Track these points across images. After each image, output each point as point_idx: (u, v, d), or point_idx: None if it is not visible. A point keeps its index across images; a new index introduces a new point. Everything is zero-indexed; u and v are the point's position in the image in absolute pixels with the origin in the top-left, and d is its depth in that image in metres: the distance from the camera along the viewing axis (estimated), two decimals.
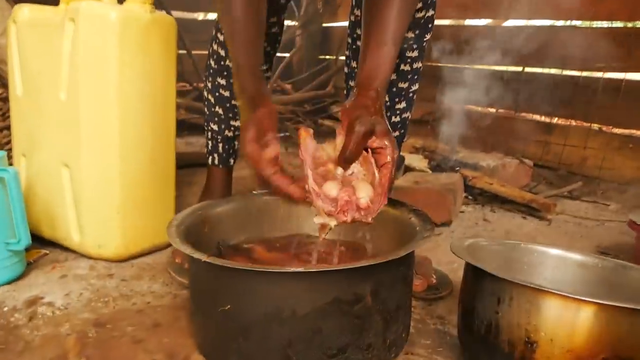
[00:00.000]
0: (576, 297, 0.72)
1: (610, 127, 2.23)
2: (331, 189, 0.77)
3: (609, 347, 0.71)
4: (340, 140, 0.81)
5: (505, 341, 0.77)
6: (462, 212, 1.77)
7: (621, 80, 2.16)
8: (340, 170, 0.82)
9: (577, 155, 2.27)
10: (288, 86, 3.39)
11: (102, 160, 1.17)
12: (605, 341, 0.71)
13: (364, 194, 0.77)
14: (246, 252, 0.92)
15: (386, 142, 0.79)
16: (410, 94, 1.21)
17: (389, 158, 0.79)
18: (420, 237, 0.79)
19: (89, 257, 1.22)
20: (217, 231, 0.95)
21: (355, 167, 0.81)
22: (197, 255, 0.71)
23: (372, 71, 0.86)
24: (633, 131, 2.21)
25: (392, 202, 0.96)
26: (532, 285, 0.75)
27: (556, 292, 0.73)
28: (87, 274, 1.16)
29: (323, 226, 0.78)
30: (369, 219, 0.77)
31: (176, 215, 0.88)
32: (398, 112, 1.20)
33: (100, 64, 1.12)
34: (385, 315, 0.76)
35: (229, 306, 0.72)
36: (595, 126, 2.26)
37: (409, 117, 1.23)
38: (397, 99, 1.19)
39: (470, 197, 1.91)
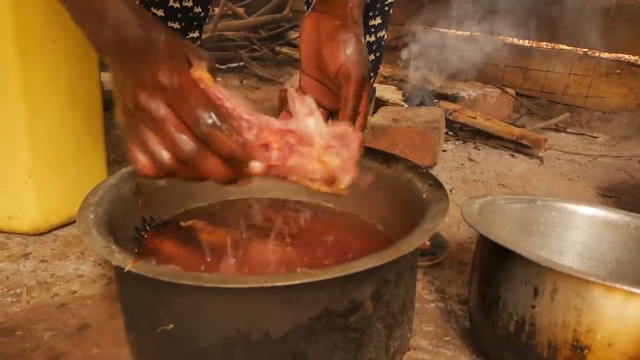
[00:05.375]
0: None
1: (597, 51, 2.04)
2: None
3: None
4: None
5: (543, 343, 0.59)
6: (444, 150, 1.58)
7: None
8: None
9: (560, 82, 2.08)
10: (240, 10, 3.03)
11: (1, 110, 0.89)
12: None
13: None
14: (185, 233, 0.69)
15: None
16: (386, 7, 0.96)
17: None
18: (435, 210, 0.58)
19: None
20: (157, 203, 0.71)
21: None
22: (116, 261, 0.48)
23: None
24: (622, 55, 2.03)
25: (383, 156, 0.75)
26: (584, 277, 0.56)
27: (619, 286, 0.54)
28: None
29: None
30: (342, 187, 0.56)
31: (95, 188, 0.64)
32: (373, 29, 0.96)
33: None
34: (389, 321, 0.56)
35: (171, 325, 0.51)
36: (581, 50, 2.07)
37: (385, 37, 1.00)
38: (371, 13, 0.94)
39: (450, 133, 1.71)
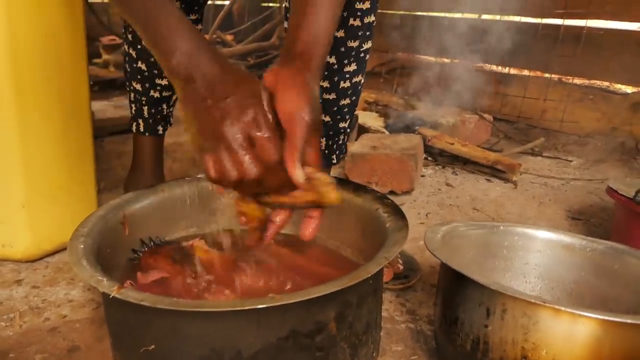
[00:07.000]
0: (586, 313, 0.59)
1: (571, 77, 2.13)
2: None
3: None
4: None
5: None
6: (422, 176, 1.64)
7: (582, 28, 2.05)
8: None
9: (537, 107, 2.17)
10: (229, 37, 3.12)
11: None
12: None
13: None
14: (178, 252, 0.75)
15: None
16: (362, 54, 1.01)
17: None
18: (394, 239, 0.64)
19: None
20: (141, 232, 0.77)
21: None
22: (103, 288, 0.53)
23: (309, 36, 0.67)
24: (594, 81, 2.12)
25: (354, 187, 0.81)
26: (529, 299, 0.61)
27: (560, 308, 0.60)
28: None
29: None
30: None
31: (84, 220, 0.69)
32: (348, 75, 1.01)
33: None
34: (352, 341, 0.61)
35: (152, 346, 0.56)
36: (555, 77, 2.16)
37: (362, 81, 1.04)
38: (345, 61, 0.99)
39: (430, 159, 1.78)
